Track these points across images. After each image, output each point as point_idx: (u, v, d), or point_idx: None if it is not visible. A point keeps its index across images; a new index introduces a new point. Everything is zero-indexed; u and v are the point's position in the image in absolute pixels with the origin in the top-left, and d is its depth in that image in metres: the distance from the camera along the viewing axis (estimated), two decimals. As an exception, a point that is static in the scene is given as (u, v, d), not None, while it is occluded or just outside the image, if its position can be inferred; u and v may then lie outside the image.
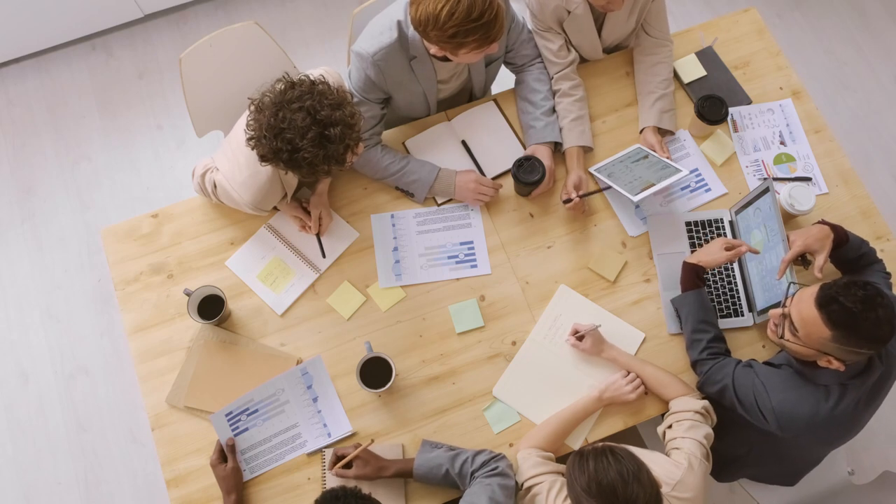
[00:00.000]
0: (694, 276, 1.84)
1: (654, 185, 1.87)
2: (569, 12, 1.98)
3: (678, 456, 1.63)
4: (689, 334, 1.83)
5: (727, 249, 1.83)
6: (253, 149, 1.64)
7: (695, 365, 1.82)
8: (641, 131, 2.09)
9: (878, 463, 2.51)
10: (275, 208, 1.99)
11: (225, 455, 1.78)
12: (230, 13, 3.22)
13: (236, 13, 3.22)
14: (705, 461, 1.64)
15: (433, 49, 1.77)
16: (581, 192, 1.96)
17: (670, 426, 1.73)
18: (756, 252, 1.85)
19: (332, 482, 1.77)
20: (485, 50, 1.74)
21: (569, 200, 1.95)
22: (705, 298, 1.84)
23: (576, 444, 1.82)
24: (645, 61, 2.11)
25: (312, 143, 1.56)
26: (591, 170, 2.05)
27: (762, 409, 1.65)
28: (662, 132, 2.10)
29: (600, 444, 1.47)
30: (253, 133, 1.62)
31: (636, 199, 1.84)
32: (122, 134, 3.04)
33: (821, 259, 1.74)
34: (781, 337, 1.60)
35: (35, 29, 2.96)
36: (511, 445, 1.83)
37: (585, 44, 2.10)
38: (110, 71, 3.13)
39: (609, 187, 1.94)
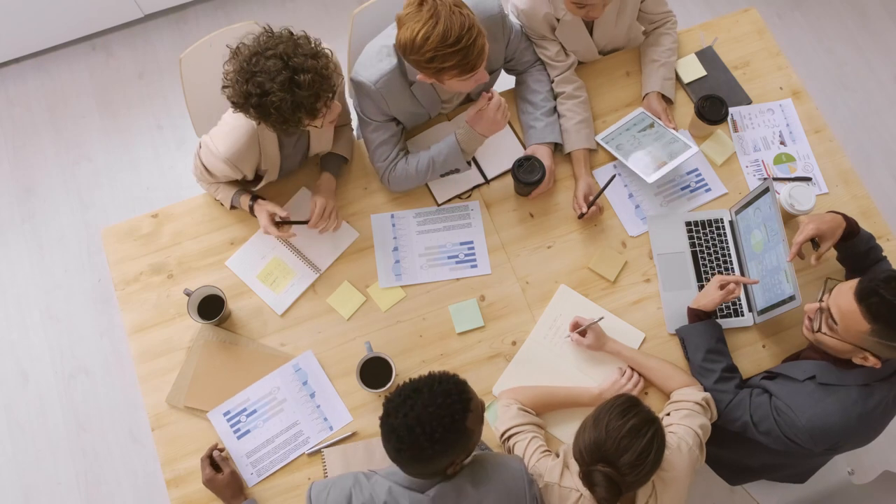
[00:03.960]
0: (697, 320, 1.84)
1: (666, 163, 1.89)
2: (558, 20, 1.98)
3: (669, 438, 1.63)
4: (699, 362, 1.80)
5: (722, 287, 1.83)
6: (228, 97, 1.64)
7: (709, 393, 1.79)
8: (644, 97, 2.11)
9: (878, 463, 2.51)
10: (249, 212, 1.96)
11: (215, 466, 1.75)
12: (230, 13, 3.22)
13: (236, 13, 3.22)
14: (696, 450, 1.63)
15: (419, 76, 1.75)
16: (590, 200, 1.96)
17: (668, 413, 1.73)
18: (755, 282, 1.86)
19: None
20: (471, 77, 1.71)
21: (583, 215, 1.96)
22: (713, 329, 1.82)
23: (565, 437, 1.82)
24: (651, 34, 2.14)
25: (282, 87, 1.56)
26: (598, 138, 2.07)
27: (788, 434, 1.63)
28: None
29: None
30: (227, 79, 1.62)
31: (651, 179, 1.85)
32: (122, 134, 3.04)
33: (825, 247, 1.73)
34: (818, 331, 1.58)
35: (35, 29, 2.96)
36: (511, 445, 1.83)
37: (580, 48, 2.11)
38: (110, 71, 3.13)
39: (612, 179, 1.96)
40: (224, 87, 1.64)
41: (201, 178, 1.94)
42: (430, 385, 1.36)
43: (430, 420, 1.32)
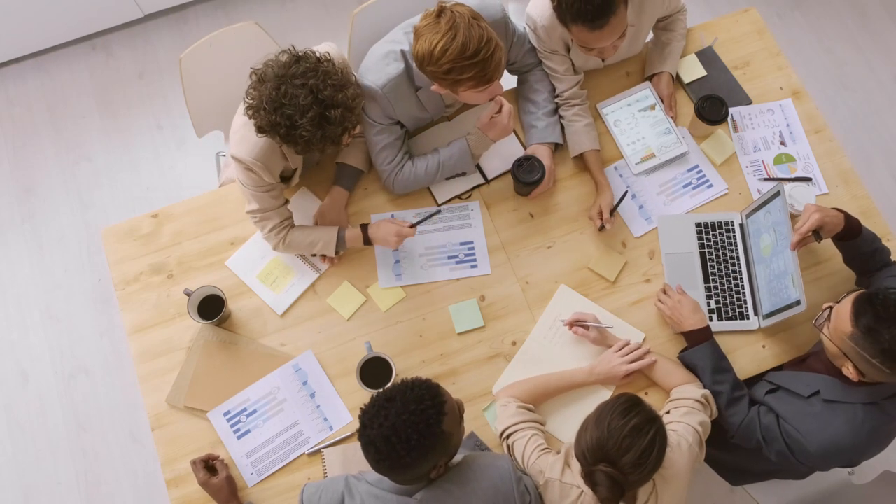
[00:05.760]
0: (695, 341, 1.83)
1: (654, 156, 1.95)
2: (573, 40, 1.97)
3: (669, 436, 1.63)
4: (709, 386, 1.78)
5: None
6: (251, 118, 1.63)
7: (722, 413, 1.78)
8: (653, 77, 2.12)
9: (878, 463, 2.50)
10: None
11: (210, 468, 1.74)
12: (230, 13, 3.22)
13: (236, 13, 3.21)
14: (696, 448, 1.63)
15: (434, 86, 1.76)
16: (610, 212, 1.96)
17: (668, 412, 1.73)
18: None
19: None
20: (486, 89, 1.72)
21: (602, 227, 1.96)
22: (716, 348, 1.81)
23: (564, 436, 1.82)
24: (662, 19, 2.14)
25: (312, 123, 1.56)
26: (599, 106, 2.11)
27: (800, 459, 1.63)
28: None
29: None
30: (252, 102, 1.62)
31: (636, 170, 1.88)
32: (122, 134, 3.04)
33: (824, 236, 1.74)
34: (816, 324, 1.60)
35: (35, 29, 2.96)
36: (511, 445, 1.83)
37: (590, 64, 2.12)
38: (110, 71, 3.13)
39: (625, 195, 1.99)
40: (249, 107, 1.63)
41: (253, 200, 1.81)
42: (403, 392, 1.37)
43: (404, 428, 1.32)
